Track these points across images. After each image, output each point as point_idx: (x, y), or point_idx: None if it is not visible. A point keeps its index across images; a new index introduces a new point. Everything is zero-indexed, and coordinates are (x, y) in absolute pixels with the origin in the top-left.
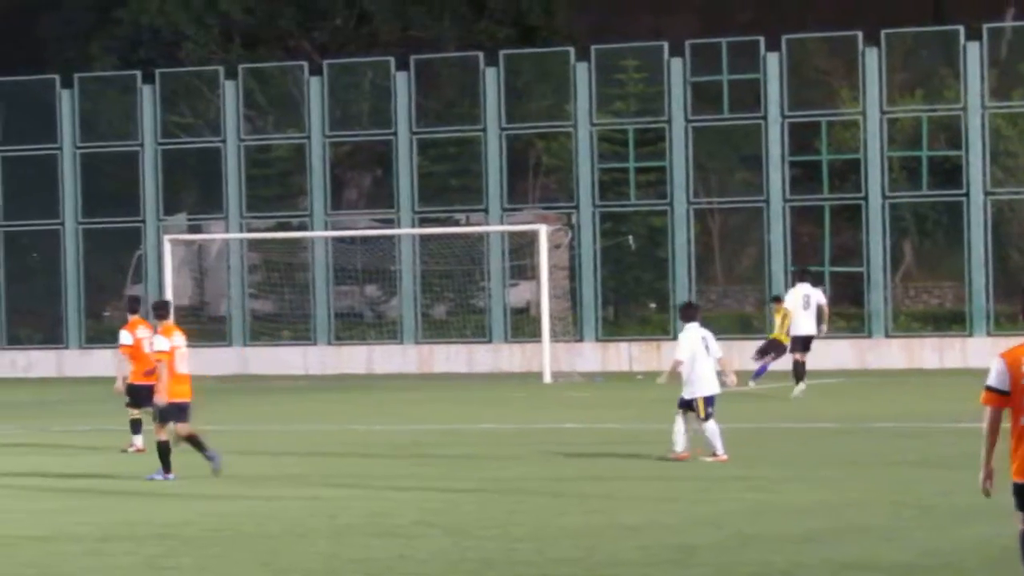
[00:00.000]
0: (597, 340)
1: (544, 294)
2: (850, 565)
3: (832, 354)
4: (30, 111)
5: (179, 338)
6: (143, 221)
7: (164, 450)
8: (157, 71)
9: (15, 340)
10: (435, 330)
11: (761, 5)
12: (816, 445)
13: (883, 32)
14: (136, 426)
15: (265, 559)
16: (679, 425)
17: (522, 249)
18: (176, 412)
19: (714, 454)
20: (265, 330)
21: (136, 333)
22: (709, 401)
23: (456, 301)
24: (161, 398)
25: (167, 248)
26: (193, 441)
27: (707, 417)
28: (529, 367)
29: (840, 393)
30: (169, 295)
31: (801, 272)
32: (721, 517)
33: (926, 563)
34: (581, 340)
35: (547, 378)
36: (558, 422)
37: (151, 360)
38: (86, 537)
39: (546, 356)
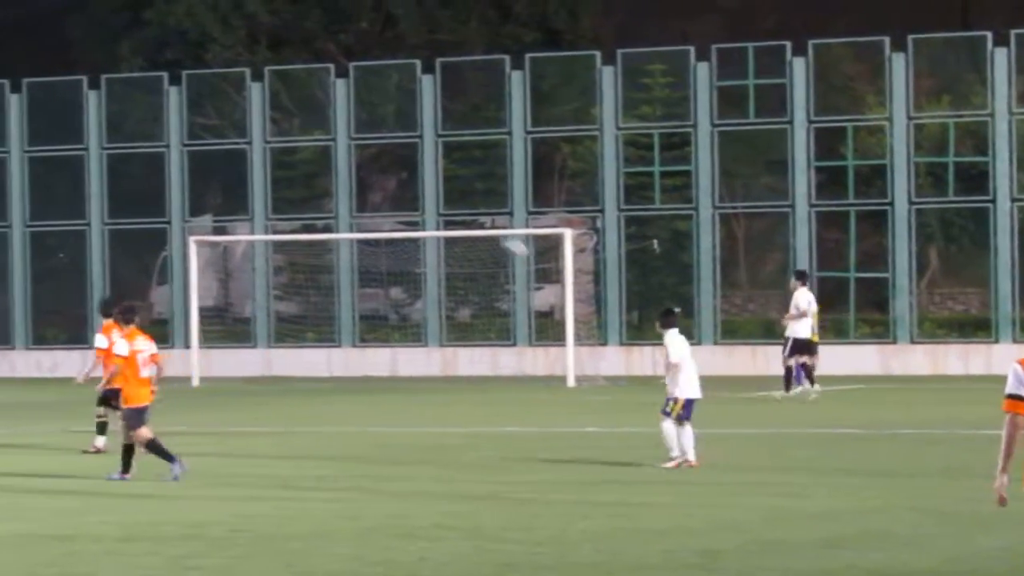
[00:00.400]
0: (621, 344)
1: (568, 298)
2: (873, 571)
3: (856, 360)
4: (57, 112)
5: (142, 342)
6: (168, 222)
7: (155, 447)
8: (183, 73)
9: (40, 340)
10: (459, 333)
11: (787, 10)
12: (838, 451)
13: (910, 38)
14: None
15: (288, 560)
16: (687, 430)
17: (547, 253)
18: (137, 416)
19: (671, 458)
20: (290, 332)
21: (111, 337)
22: (688, 405)
23: (480, 304)
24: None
25: (192, 249)
26: (131, 451)
27: (679, 420)
28: (553, 370)
29: (864, 399)
30: (195, 296)
31: (802, 275)
32: (744, 522)
33: (950, 570)
34: (605, 344)
35: (571, 382)
36: (581, 426)
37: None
38: (107, 537)
39: (570, 360)
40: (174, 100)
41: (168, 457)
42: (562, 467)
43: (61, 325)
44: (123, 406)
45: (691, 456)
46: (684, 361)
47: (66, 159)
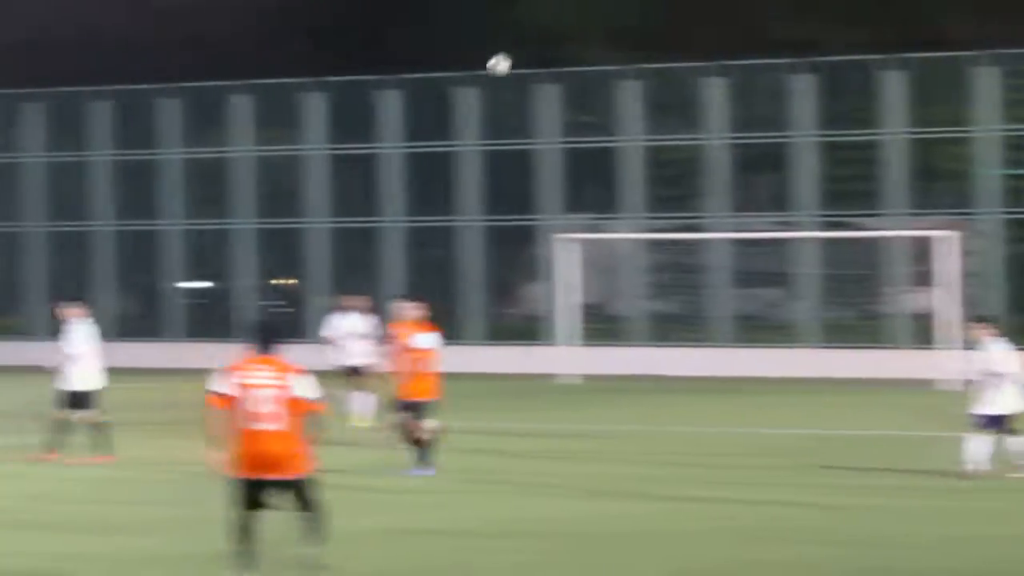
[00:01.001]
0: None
1: (945, 301)
2: None
3: None
4: (433, 108)
5: (426, 339)
6: (542, 220)
7: (422, 444)
8: (558, 70)
9: None
10: (833, 335)
11: None
12: None
13: None
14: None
15: (663, 559)
16: (982, 442)
17: (923, 255)
18: (409, 409)
19: (972, 469)
20: (664, 331)
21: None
22: (1016, 418)
23: (855, 306)
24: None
25: (566, 248)
26: (417, 441)
27: (1016, 432)
28: (927, 374)
29: None
30: (568, 293)
31: None
32: None
33: None
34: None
35: (945, 386)
36: (955, 431)
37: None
38: (471, 532)
39: (945, 364)
40: (548, 98)
41: (426, 460)
42: (919, 474)
43: (437, 320)
44: (398, 398)
45: (985, 465)
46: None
47: (442, 156)
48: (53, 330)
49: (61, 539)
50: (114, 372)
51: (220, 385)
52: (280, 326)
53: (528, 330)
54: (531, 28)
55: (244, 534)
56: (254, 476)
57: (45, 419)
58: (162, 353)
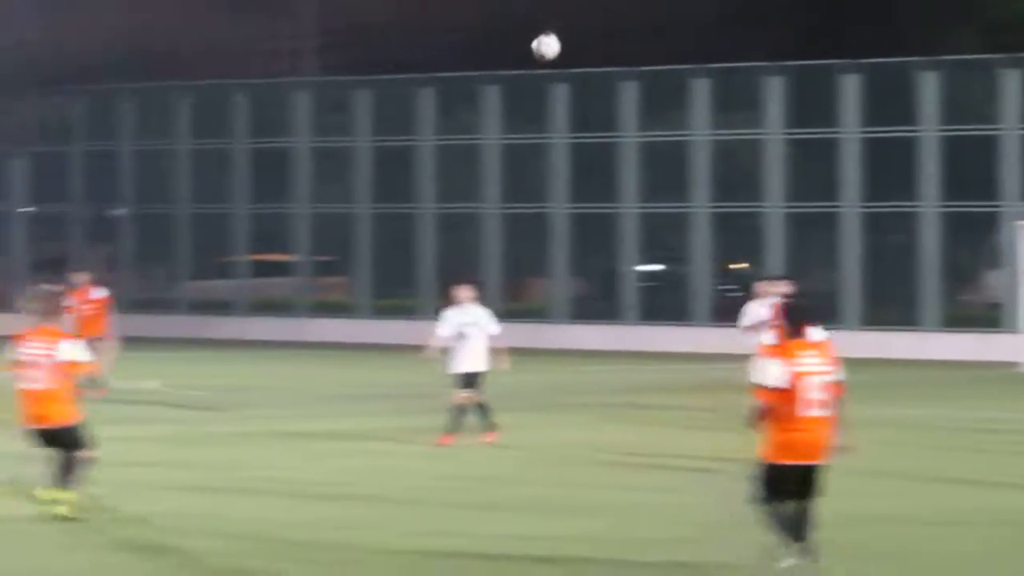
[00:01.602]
0: None
1: None
2: None
3: None
4: (892, 93)
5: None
6: (1003, 206)
7: None
8: (1021, 55)
9: (871, 321)
10: None
11: None
12: None
13: None
14: None
15: None
16: None
17: None
18: None
19: None
20: None
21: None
22: None
23: None
24: None
25: (1021, 233)
26: None
27: None
28: None
29: None
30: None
31: None
32: None
33: None
34: None
35: None
36: None
37: None
38: (920, 520)
39: None
40: (1012, 83)
41: None
42: None
43: (892, 307)
44: None
45: None
46: None
47: (902, 140)
48: (502, 313)
49: (498, 520)
50: (567, 354)
51: (771, 378)
52: (812, 309)
53: (986, 317)
54: (997, 13)
55: (782, 520)
56: (798, 462)
57: (444, 402)
58: (615, 336)
